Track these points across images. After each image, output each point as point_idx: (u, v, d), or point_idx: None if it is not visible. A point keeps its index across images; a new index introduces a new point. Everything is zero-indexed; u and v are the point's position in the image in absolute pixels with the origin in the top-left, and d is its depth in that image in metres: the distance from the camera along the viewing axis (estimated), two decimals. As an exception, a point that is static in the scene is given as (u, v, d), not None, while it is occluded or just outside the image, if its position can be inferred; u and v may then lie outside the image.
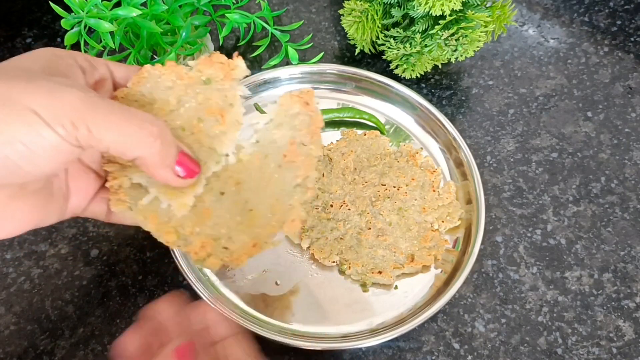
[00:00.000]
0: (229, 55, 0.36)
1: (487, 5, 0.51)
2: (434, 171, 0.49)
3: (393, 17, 0.53)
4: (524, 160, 0.52)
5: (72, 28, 0.45)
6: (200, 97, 0.35)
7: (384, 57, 0.55)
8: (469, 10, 0.49)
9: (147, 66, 0.36)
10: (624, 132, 0.54)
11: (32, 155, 0.27)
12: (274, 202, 0.35)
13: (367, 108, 0.53)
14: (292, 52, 0.55)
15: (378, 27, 0.54)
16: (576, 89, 0.57)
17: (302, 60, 0.57)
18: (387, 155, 0.50)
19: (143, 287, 0.45)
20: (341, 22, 0.55)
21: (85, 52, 0.49)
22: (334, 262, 0.45)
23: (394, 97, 0.53)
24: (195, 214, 0.35)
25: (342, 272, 0.45)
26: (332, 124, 0.53)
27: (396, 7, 0.52)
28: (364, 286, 0.44)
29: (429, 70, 0.55)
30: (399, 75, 0.55)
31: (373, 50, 0.57)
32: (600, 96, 0.56)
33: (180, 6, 0.50)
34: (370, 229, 0.46)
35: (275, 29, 0.56)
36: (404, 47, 0.52)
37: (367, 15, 0.53)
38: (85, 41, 0.46)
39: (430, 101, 0.52)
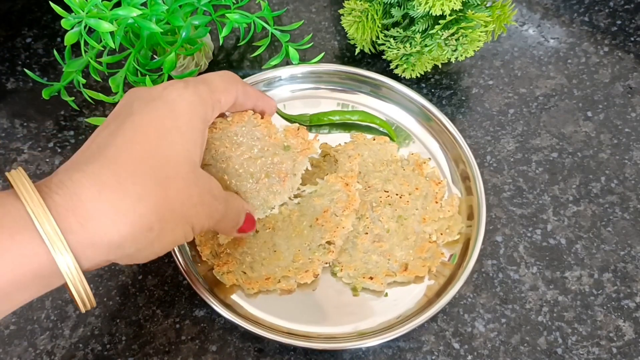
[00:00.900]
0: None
1: (487, 5, 0.51)
2: (439, 182, 0.48)
3: (393, 16, 0.53)
4: (524, 160, 0.52)
5: (72, 28, 0.45)
6: (277, 158, 0.42)
7: (384, 57, 0.55)
8: (469, 10, 0.49)
9: (251, 112, 0.42)
10: (624, 132, 0.54)
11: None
12: (297, 252, 0.43)
13: (365, 107, 0.53)
14: (292, 52, 0.55)
15: (378, 27, 0.54)
16: (576, 88, 0.57)
17: (303, 60, 0.57)
18: (393, 162, 0.49)
19: (143, 287, 0.45)
20: (341, 22, 0.55)
21: (85, 52, 0.49)
22: (326, 263, 0.44)
23: (394, 97, 0.53)
24: (232, 241, 0.44)
25: (334, 274, 0.45)
26: (343, 126, 0.53)
27: (396, 7, 0.52)
28: (354, 290, 0.44)
29: (429, 70, 0.55)
30: (399, 75, 0.55)
31: (373, 50, 0.57)
32: (600, 96, 0.56)
33: (180, 6, 0.50)
34: (367, 233, 0.45)
35: (276, 29, 0.56)
36: (404, 47, 0.52)
37: (367, 15, 0.53)
38: (85, 41, 0.46)
39: (430, 101, 0.52)
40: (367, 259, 0.44)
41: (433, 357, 0.43)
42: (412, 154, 0.50)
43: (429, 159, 0.50)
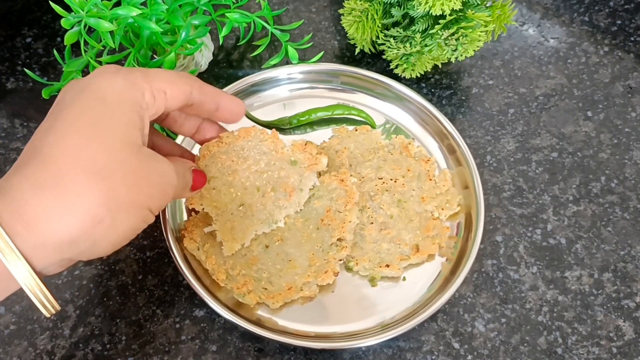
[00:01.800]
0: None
1: (487, 5, 0.51)
2: (428, 160, 0.49)
3: (393, 16, 0.53)
4: (524, 160, 0.52)
5: (72, 27, 0.45)
6: (283, 172, 0.43)
7: (384, 56, 0.55)
8: (469, 10, 0.49)
9: (257, 127, 0.43)
10: (624, 132, 0.54)
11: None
12: (311, 255, 0.43)
13: (365, 107, 0.53)
14: (292, 51, 0.55)
15: (378, 26, 0.54)
16: (576, 88, 0.57)
17: (302, 59, 0.57)
18: (380, 149, 0.50)
19: (143, 287, 0.45)
20: (341, 22, 0.55)
21: (85, 52, 0.49)
22: (341, 260, 0.44)
23: (394, 97, 0.53)
24: (244, 261, 0.43)
25: (349, 269, 0.45)
26: (322, 122, 0.53)
27: (396, 7, 0.52)
28: (372, 281, 0.44)
29: (429, 70, 0.55)
30: (399, 74, 0.55)
31: (373, 50, 0.57)
32: (600, 96, 0.56)
33: (180, 6, 0.50)
34: (372, 223, 0.46)
35: (275, 28, 0.56)
36: (404, 47, 0.52)
37: (367, 14, 0.53)
38: (85, 41, 0.46)
39: (430, 101, 0.52)
40: (378, 248, 0.45)
41: (433, 357, 0.43)
42: (396, 137, 0.51)
43: (413, 139, 0.51)
